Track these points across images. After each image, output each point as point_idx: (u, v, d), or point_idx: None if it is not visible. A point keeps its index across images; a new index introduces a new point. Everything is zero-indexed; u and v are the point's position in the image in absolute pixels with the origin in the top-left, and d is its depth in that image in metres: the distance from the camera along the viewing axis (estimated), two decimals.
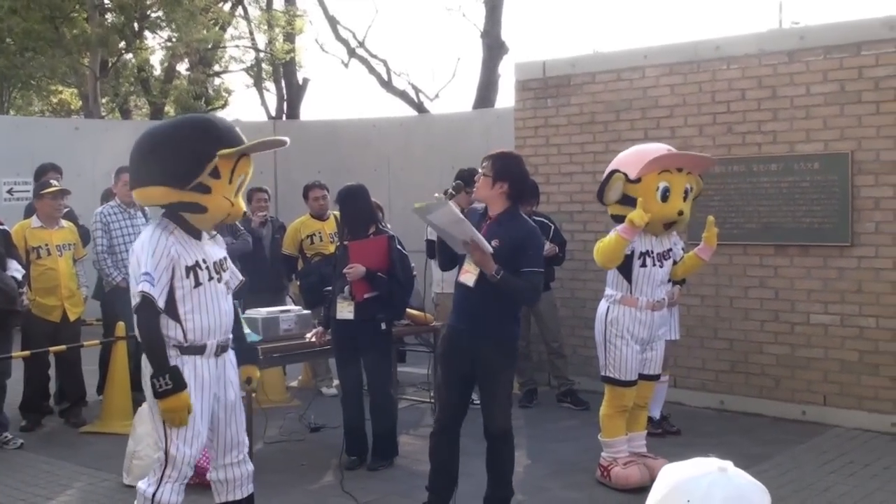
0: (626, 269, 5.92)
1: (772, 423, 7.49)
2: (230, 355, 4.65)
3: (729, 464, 1.70)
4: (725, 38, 8.04)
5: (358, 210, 6.49)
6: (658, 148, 6.11)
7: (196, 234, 4.50)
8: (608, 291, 6.09)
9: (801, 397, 7.57)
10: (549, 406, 8.08)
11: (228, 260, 4.76)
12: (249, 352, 4.92)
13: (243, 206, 4.60)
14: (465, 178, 6.43)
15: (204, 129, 4.47)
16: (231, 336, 4.63)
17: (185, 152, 4.30)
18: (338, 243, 6.76)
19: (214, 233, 4.71)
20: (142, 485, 4.39)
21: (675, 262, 6.16)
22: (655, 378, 6.23)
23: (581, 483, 6.05)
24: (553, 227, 8.11)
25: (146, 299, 4.22)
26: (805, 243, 7.53)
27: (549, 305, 8.23)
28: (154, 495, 4.34)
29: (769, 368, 7.73)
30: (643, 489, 5.69)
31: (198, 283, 4.39)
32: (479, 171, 5.23)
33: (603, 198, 6.04)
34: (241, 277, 4.87)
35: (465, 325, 5.11)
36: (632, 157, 6.00)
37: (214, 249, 4.60)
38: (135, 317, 4.29)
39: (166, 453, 4.35)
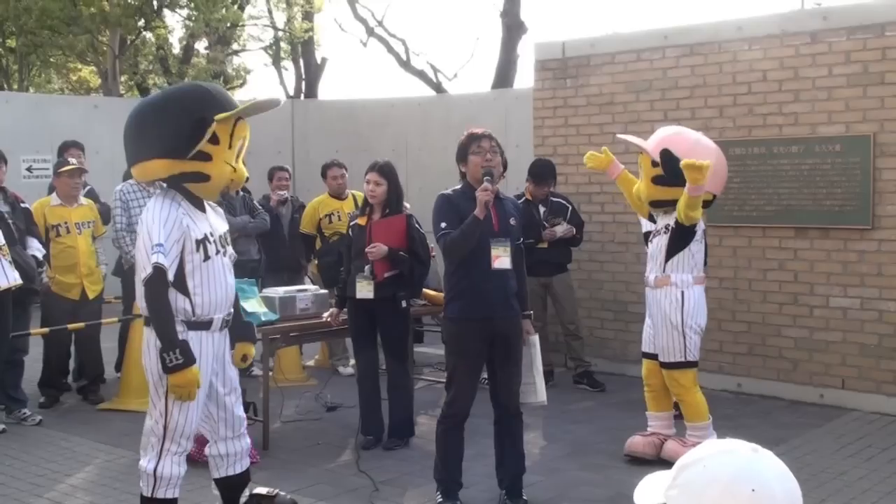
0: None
1: (789, 407, 7.46)
2: (227, 331, 4.61)
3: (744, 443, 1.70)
4: (747, 19, 7.95)
5: (400, 186, 6.54)
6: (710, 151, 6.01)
7: (201, 207, 4.45)
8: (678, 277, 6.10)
9: (820, 381, 7.53)
10: (565, 388, 8.07)
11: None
12: (246, 328, 4.88)
13: (245, 171, 4.55)
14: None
15: (196, 96, 4.42)
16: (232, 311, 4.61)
17: (182, 121, 4.25)
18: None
19: (216, 204, 4.68)
20: (142, 462, 4.40)
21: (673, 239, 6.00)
22: (663, 365, 6.01)
23: (597, 464, 6.05)
24: (571, 208, 8.08)
25: (158, 271, 4.15)
26: (825, 226, 7.47)
27: (565, 287, 8.21)
28: (155, 470, 4.35)
29: (787, 351, 7.70)
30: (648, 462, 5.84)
31: (207, 257, 4.34)
32: (478, 150, 5.11)
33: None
34: (233, 253, 4.81)
35: (494, 309, 5.03)
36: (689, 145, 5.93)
37: (219, 222, 4.56)
38: (142, 289, 4.22)
39: (165, 427, 4.33)
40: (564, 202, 8.08)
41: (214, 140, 4.28)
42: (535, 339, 5.39)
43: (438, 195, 5.31)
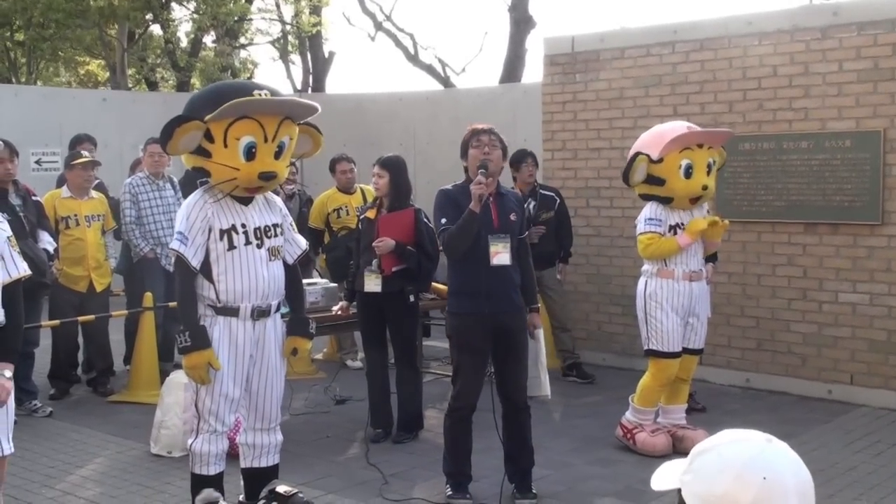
0: None
1: (798, 402, 7.46)
2: (275, 322, 4.72)
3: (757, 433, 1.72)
4: (757, 14, 7.94)
5: (406, 180, 6.53)
6: (677, 127, 6.20)
7: (243, 200, 4.61)
8: (645, 267, 6.20)
9: (828, 376, 7.52)
10: (571, 382, 8.08)
11: (286, 228, 4.83)
12: (300, 323, 4.96)
13: (277, 169, 4.57)
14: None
15: (207, 94, 4.67)
16: (275, 303, 4.73)
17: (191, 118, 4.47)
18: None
19: (272, 196, 4.85)
20: (188, 438, 4.80)
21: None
22: (699, 352, 6.31)
23: (605, 458, 6.06)
24: (558, 202, 8.08)
25: (177, 256, 4.47)
26: (835, 221, 7.46)
27: (554, 280, 8.21)
28: (191, 445, 4.70)
29: (796, 347, 7.69)
30: (665, 457, 5.79)
31: (231, 247, 4.51)
32: (478, 143, 5.09)
33: (628, 180, 6.12)
34: (302, 247, 4.93)
35: (494, 304, 5.01)
36: (653, 139, 6.13)
37: (262, 216, 4.70)
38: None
39: (197, 407, 4.63)
40: (553, 195, 8.09)
41: (209, 137, 4.42)
42: (540, 333, 5.41)
43: (438, 191, 5.29)
